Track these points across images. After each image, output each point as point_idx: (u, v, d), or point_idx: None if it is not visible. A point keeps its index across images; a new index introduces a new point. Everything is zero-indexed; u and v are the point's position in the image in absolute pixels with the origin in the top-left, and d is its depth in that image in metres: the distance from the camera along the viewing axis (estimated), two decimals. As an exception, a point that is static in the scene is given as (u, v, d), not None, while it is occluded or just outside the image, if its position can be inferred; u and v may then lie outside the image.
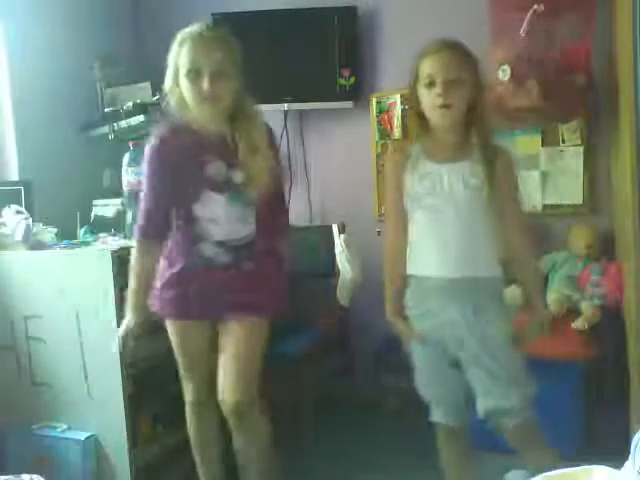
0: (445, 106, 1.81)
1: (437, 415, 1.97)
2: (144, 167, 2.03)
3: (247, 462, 2.13)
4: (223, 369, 2.04)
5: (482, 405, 1.85)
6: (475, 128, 1.88)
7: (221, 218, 1.99)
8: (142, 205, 2.03)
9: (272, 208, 2.08)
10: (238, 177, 1.98)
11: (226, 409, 2.04)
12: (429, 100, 1.83)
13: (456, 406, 1.94)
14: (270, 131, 2.10)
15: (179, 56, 1.91)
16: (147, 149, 2.02)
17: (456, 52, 1.84)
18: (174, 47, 1.93)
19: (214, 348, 2.09)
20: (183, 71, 1.90)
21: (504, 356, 1.83)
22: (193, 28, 1.93)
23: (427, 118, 1.88)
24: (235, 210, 2.00)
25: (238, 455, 2.14)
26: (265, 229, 2.06)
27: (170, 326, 2.11)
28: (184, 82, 1.91)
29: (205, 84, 1.88)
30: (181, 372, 2.16)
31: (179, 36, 1.93)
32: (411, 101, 1.93)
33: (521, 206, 1.97)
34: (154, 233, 2.02)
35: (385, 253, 2.02)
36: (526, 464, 1.85)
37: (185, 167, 1.98)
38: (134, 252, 2.03)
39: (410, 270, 1.94)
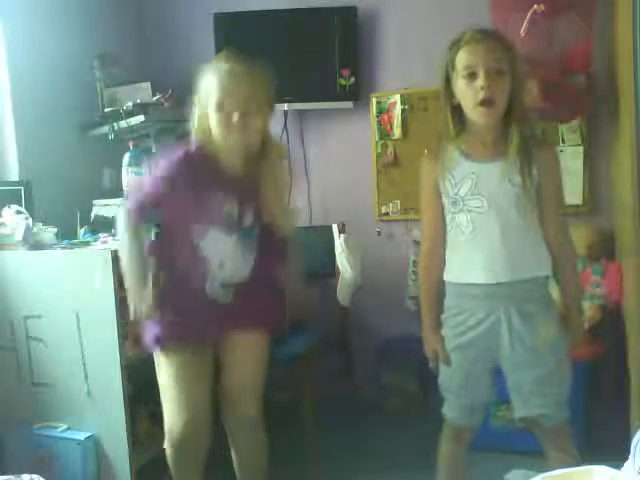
0: (488, 101, 1.68)
1: (451, 412, 1.91)
2: (160, 166, 1.97)
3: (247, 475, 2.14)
4: (235, 383, 2.05)
5: (523, 411, 1.80)
6: (515, 123, 1.75)
7: (228, 259, 1.97)
8: (139, 195, 2.00)
9: (274, 239, 2.05)
10: (249, 218, 1.97)
11: (240, 423, 2.08)
12: (469, 95, 1.71)
13: (475, 408, 1.90)
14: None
15: (209, 88, 1.89)
16: (172, 157, 1.95)
17: (499, 41, 1.73)
18: (204, 77, 1.92)
19: (213, 376, 2.06)
20: (212, 104, 1.88)
21: (551, 361, 1.76)
22: (224, 61, 1.92)
23: (463, 114, 1.76)
24: (242, 251, 1.98)
25: (239, 470, 2.15)
26: (267, 259, 2.04)
27: (168, 357, 1.99)
28: (213, 114, 1.90)
29: (235, 118, 1.87)
30: (171, 403, 1.99)
31: (210, 67, 1.93)
32: (445, 96, 1.78)
33: (563, 206, 1.85)
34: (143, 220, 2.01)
35: (421, 261, 1.92)
36: (549, 465, 1.74)
37: (198, 198, 1.93)
38: (126, 239, 1.99)
39: (451, 278, 1.84)
